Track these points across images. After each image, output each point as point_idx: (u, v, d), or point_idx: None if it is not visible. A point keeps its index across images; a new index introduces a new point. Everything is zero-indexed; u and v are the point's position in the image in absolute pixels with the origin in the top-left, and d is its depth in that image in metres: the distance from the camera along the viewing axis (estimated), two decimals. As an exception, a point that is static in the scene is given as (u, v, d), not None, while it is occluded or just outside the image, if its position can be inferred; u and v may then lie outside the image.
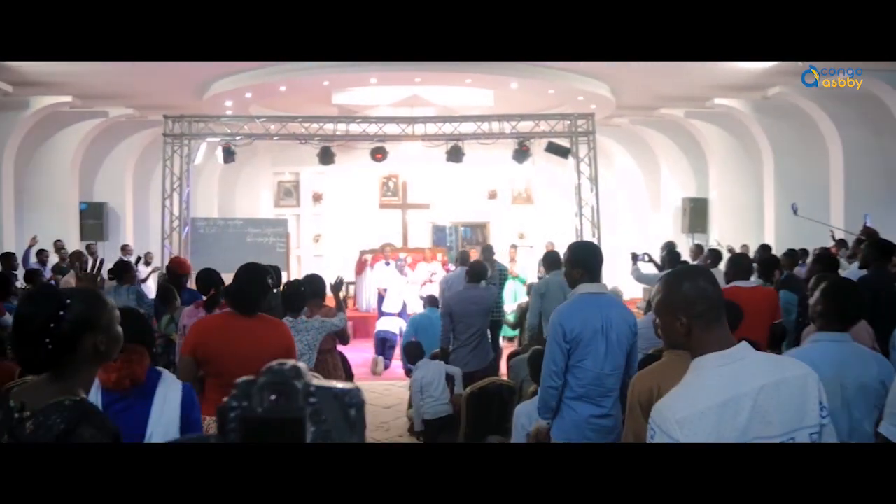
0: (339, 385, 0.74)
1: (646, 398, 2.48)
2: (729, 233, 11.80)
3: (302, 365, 0.74)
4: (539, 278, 9.65)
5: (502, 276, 8.32)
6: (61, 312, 1.57)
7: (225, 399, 0.79)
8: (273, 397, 0.72)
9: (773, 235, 11.20)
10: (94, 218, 13.22)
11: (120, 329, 1.70)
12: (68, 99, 11.17)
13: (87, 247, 11.90)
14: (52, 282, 9.35)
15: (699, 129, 13.15)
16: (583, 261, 3.38)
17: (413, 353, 5.81)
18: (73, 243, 11.94)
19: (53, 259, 10.34)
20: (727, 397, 1.54)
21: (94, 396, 2.14)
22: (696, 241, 11.63)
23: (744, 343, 1.66)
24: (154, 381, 2.30)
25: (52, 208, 12.43)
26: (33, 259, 10.04)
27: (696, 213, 13.49)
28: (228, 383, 2.68)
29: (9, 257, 9.10)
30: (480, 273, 6.04)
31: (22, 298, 1.65)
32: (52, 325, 1.56)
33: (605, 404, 3.22)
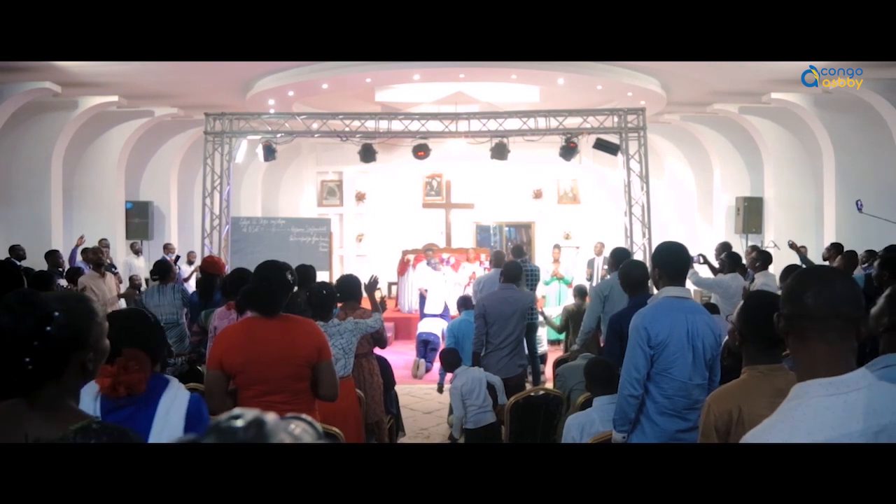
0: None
1: (724, 422, 2.16)
2: (786, 233, 11.23)
3: (270, 417, 0.51)
4: (600, 278, 9.31)
5: (534, 277, 8.04)
6: (47, 327, 1.34)
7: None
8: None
9: (834, 236, 10.62)
10: (139, 217, 13.34)
11: (107, 342, 1.48)
12: (115, 99, 11.25)
13: (132, 245, 12.02)
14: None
15: (754, 126, 12.60)
16: (662, 262, 3.11)
17: (450, 361, 5.55)
18: (120, 242, 12.05)
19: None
20: (832, 436, 1.26)
21: (92, 404, 1.93)
22: (746, 242, 11.13)
23: (863, 370, 1.35)
24: (160, 389, 2.04)
25: (99, 207, 12.56)
26: (79, 258, 10.13)
27: (751, 212, 12.93)
28: (262, 392, 2.43)
29: (54, 254, 9.21)
30: (516, 273, 5.79)
31: (1, 307, 1.41)
32: (35, 343, 1.33)
33: (690, 417, 2.94)
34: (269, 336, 2.93)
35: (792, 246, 8.28)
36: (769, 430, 1.33)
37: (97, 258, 7.79)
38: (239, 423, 0.51)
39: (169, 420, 1.97)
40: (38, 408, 1.37)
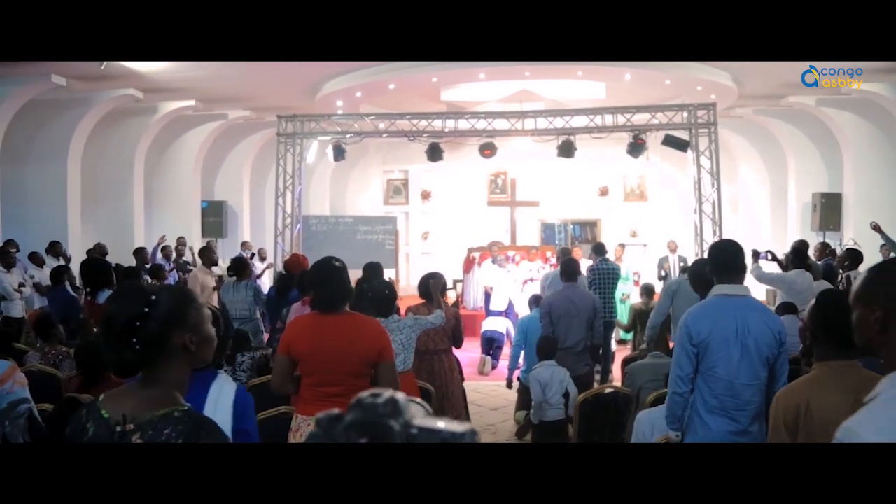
0: (447, 427, 0.56)
1: (791, 417, 2.15)
2: (867, 231, 10.77)
3: (401, 397, 0.57)
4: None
5: (614, 276, 7.92)
6: (146, 309, 1.48)
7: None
8: (363, 441, 0.55)
9: (920, 233, 10.13)
10: (214, 216, 13.86)
11: (212, 329, 1.62)
12: (192, 103, 11.73)
13: (208, 243, 12.49)
14: (175, 273, 9.85)
15: (832, 118, 12.11)
16: (715, 259, 3.12)
17: (546, 349, 5.35)
18: (196, 240, 12.55)
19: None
20: None
21: None
22: (822, 240, 10.71)
23: None
24: (209, 381, 2.22)
25: (176, 206, 13.14)
26: (160, 255, 10.62)
27: (829, 209, 12.42)
28: (320, 382, 2.58)
29: (141, 252, 9.70)
30: (575, 271, 5.78)
31: (109, 297, 1.58)
32: (138, 324, 1.47)
33: (741, 419, 2.90)
34: (331, 332, 3.03)
35: (875, 228, 7.97)
36: (870, 419, 1.29)
37: (210, 257, 8.10)
38: (380, 399, 0.58)
39: (218, 408, 2.17)
40: (144, 390, 1.52)
